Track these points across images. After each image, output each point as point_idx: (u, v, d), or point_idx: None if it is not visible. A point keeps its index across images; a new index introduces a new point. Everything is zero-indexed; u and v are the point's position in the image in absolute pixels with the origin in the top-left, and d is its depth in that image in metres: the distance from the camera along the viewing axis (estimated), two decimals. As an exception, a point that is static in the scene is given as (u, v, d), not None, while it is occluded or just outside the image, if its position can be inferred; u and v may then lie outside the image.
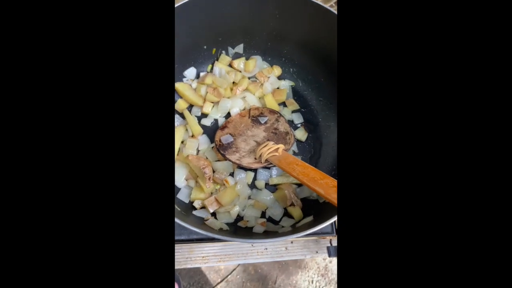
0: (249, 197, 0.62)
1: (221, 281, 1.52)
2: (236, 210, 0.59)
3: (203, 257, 0.75)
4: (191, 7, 0.57)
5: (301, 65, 0.72)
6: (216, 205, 0.58)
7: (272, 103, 0.69)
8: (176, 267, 0.75)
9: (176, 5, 0.55)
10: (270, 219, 0.61)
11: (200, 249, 0.75)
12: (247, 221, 0.59)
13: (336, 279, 1.50)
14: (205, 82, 0.68)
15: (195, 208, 0.60)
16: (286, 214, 0.62)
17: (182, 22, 0.58)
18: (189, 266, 0.74)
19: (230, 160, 0.60)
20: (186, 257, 0.75)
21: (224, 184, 0.61)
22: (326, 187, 0.46)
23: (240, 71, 0.72)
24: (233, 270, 1.52)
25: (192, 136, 0.66)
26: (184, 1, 0.56)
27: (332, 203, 0.45)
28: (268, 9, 0.62)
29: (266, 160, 0.57)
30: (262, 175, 0.64)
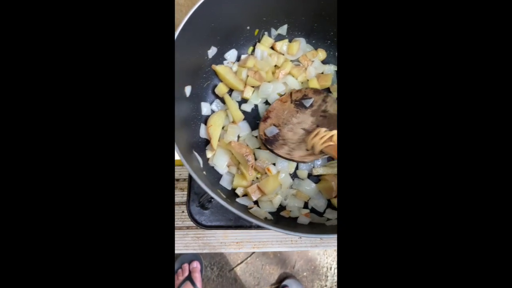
0: (291, 187, 0.61)
1: (241, 263, 1.55)
2: (278, 199, 0.58)
3: (237, 243, 0.76)
4: None
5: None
6: (258, 194, 0.57)
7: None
8: (211, 251, 0.76)
9: None
10: (313, 210, 0.60)
11: (234, 235, 0.75)
12: (290, 211, 0.58)
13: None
14: (247, 65, 0.65)
15: (237, 196, 0.59)
16: (330, 205, 0.60)
17: (226, 3, 0.55)
18: (223, 251, 0.75)
19: (280, 156, 0.56)
20: (220, 242, 0.75)
21: (265, 173, 0.59)
22: None
23: (283, 54, 0.68)
24: (252, 253, 1.54)
25: (233, 122, 0.64)
26: None
27: None
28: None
29: (322, 152, 0.53)
30: (305, 165, 0.62)
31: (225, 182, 0.59)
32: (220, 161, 0.60)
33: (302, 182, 0.61)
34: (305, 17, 0.65)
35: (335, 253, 1.57)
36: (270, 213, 0.58)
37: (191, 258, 1.51)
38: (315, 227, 0.54)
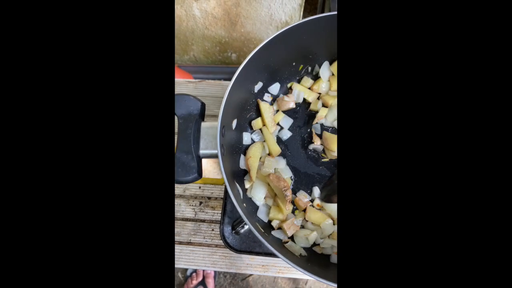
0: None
1: (252, 274, 1.58)
2: (314, 235, 0.60)
3: (263, 266, 0.78)
4: (284, 35, 0.55)
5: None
6: (293, 230, 0.59)
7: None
8: (237, 271, 0.79)
9: (277, 33, 0.54)
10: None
11: (261, 259, 0.78)
12: (323, 247, 0.60)
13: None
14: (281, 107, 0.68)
15: (273, 228, 0.61)
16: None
17: (279, 44, 0.57)
18: (248, 272, 0.78)
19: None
20: (246, 263, 0.78)
21: (304, 209, 0.62)
22: None
23: (319, 93, 0.70)
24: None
25: (270, 154, 0.66)
26: (279, 32, 0.54)
27: None
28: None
29: None
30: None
31: (262, 214, 0.62)
32: (258, 193, 0.62)
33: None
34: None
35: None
36: (304, 248, 0.60)
37: (207, 264, 1.54)
38: None
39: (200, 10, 1.23)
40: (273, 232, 0.60)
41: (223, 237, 0.70)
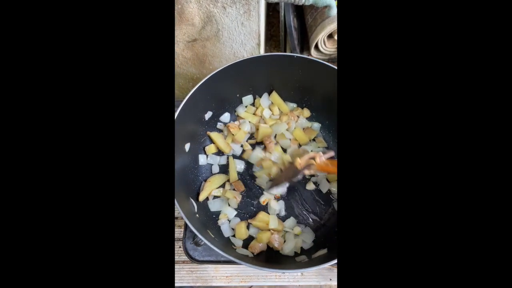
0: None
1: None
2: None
3: (226, 276, 0.85)
4: (230, 69, 0.69)
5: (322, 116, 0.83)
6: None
7: (301, 136, 0.79)
8: (203, 284, 0.85)
9: (216, 71, 0.68)
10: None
11: (224, 270, 0.85)
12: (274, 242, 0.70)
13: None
14: (231, 132, 0.80)
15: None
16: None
17: (221, 80, 0.71)
18: (214, 284, 0.84)
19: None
20: (212, 275, 0.85)
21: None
22: None
23: (263, 119, 0.83)
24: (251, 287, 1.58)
25: (228, 181, 0.78)
26: (224, 66, 0.68)
27: None
28: (293, 69, 0.74)
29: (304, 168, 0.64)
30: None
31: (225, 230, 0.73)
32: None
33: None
34: (284, 89, 0.82)
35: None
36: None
37: None
38: (293, 263, 0.64)
39: (170, 53, 1.40)
40: (219, 222, 0.70)
41: (185, 250, 0.77)
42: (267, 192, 0.75)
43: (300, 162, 0.64)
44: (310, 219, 0.75)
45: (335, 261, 0.54)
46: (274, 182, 0.72)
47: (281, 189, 0.76)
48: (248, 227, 0.73)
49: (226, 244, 0.69)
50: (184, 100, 0.65)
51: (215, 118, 0.81)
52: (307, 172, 0.65)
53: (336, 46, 0.95)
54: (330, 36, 0.92)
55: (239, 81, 0.77)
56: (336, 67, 0.67)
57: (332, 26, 0.86)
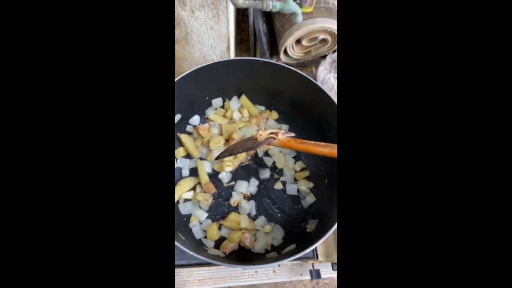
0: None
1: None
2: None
3: (199, 280, 0.84)
4: (199, 72, 0.70)
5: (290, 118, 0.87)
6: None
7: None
8: (175, 289, 0.84)
9: (185, 74, 0.68)
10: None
11: (197, 273, 0.84)
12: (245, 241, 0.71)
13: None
14: (201, 135, 0.80)
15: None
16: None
17: (189, 84, 0.71)
18: (187, 288, 0.83)
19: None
20: (184, 280, 0.84)
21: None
22: (331, 147, 0.54)
23: (233, 121, 0.84)
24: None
25: (199, 183, 0.78)
26: (193, 69, 0.69)
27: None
28: (261, 73, 0.76)
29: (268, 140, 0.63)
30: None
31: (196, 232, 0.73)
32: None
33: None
34: (253, 92, 0.84)
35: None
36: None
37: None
38: (255, 260, 0.66)
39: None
40: (190, 225, 0.70)
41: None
42: (215, 161, 0.73)
43: (261, 133, 0.63)
44: (280, 217, 0.78)
45: (303, 253, 0.56)
46: (228, 150, 0.70)
47: (247, 185, 0.77)
48: (219, 228, 0.74)
49: (198, 246, 0.69)
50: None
51: (184, 120, 0.81)
52: (266, 147, 0.65)
53: (304, 51, 0.99)
54: (298, 41, 0.96)
55: (208, 84, 0.78)
56: (302, 73, 0.71)
57: (299, 32, 0.89)
